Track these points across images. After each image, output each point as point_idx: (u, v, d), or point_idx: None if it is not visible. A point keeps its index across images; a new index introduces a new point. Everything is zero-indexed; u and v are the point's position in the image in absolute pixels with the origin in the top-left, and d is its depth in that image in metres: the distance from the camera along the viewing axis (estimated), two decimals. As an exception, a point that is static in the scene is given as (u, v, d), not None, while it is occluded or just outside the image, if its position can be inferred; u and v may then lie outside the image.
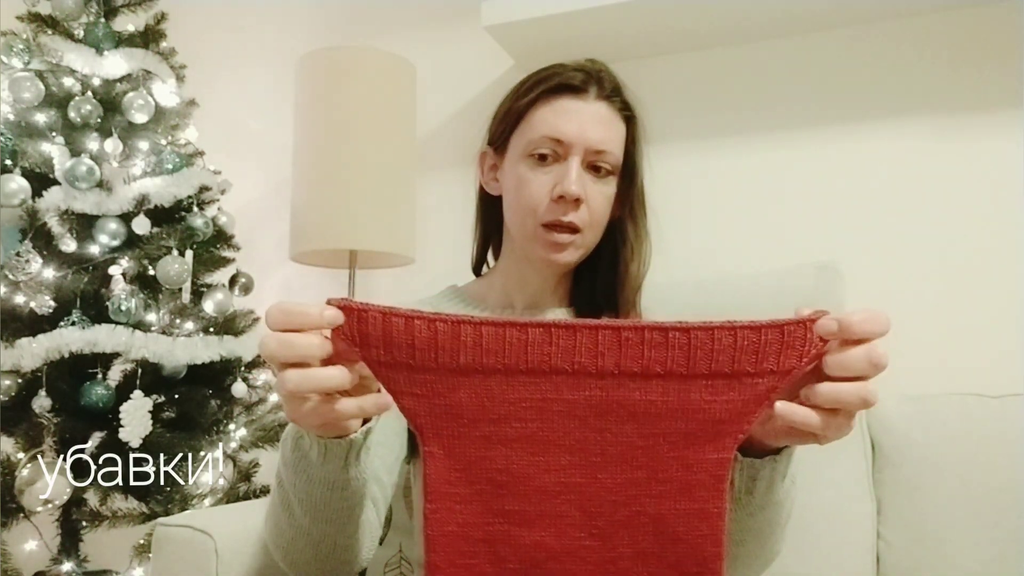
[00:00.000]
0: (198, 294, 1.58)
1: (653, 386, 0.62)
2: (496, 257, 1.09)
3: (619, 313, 0.97)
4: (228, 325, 1.60)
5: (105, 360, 1.46)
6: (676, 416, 0.63)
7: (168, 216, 1.56)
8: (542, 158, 0.94)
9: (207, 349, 1.51)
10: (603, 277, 1.00)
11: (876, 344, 0.63)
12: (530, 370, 0.62)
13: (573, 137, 0.93)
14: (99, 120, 1.52)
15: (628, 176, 0.98)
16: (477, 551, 0.64)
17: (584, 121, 0.94)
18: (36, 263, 1.43)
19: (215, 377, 1.58)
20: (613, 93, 0.97)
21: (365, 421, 0.71)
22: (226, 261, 1.67)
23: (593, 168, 0.95)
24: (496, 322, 0.62)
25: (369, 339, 0.62)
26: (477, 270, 1.11)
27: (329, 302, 0.62)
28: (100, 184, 1.50)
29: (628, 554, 0.64)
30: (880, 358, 0.62)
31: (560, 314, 1.01)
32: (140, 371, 1.46)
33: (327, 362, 0.63)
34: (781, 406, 0.62)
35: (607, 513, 0.64)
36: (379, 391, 0.65)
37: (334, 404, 0.63)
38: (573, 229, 0.94)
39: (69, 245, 1.48)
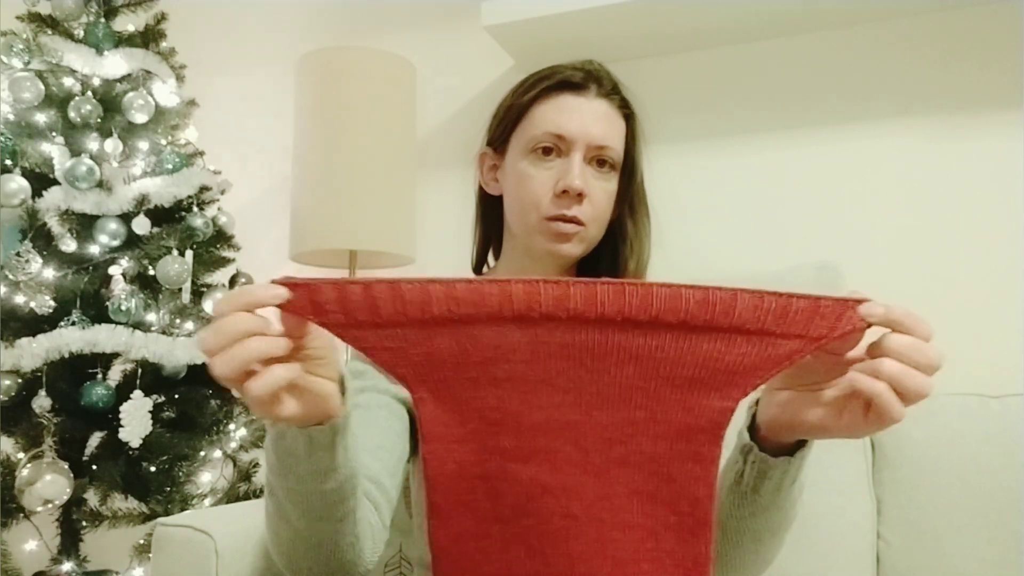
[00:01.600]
0: (198, 294, 1.58)
1: (661, 334, 0.62)
2: (496, 258, 1.09)
3: None
4: (228, 325, 1.60)
5: (105, 360, 1.46)
6: (683, 363, 0.62)
7: (168, 216, 1.56)
8: (545, 153, 0.95)
9: (207, 349, 1.51)
10: (604, 275, 1.00)
11: (932, 345, 0.63)
12: (517, 317, 0.61)
13: (575, 133, 0.93)
14: (99, 120, 1.52)
15: (628, 173, 0.99)
16: (475, 487, 0.65)
17: (585, 117, 0.94)
18: (36, 263, 1.43)
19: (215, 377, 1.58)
20: (613, 91, 0.98)
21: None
22: (226, 261, 1.67)
23: (595, 164, 0.96)
24: (470, 280, 0.61)
25: (324, 307, 0.61)
26: (477, 271, 1.11)
27: (273, 282, 0.61)
28: (100, 184, 1.50)
29: (623, 492, 0.64)
30: (936, 356, 0.63)
31: None
32: (140, 371, 1.46)
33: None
34: (854, 373, 0.62)
35: (602, 450, 0.64)
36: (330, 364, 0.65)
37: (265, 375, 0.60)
38: (577, 223, 0.94)
39: (69, 245, 1.48)
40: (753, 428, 0.74)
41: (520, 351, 0.62)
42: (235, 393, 0.64)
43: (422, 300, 0.61)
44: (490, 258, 1.11)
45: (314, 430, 0.68)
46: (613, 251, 1.00)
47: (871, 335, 0.64)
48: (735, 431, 0.74)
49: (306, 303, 0.61)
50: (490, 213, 1.07)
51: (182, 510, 1.45)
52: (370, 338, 0.62)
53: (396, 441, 0.91)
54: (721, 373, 0.62)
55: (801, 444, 0.73)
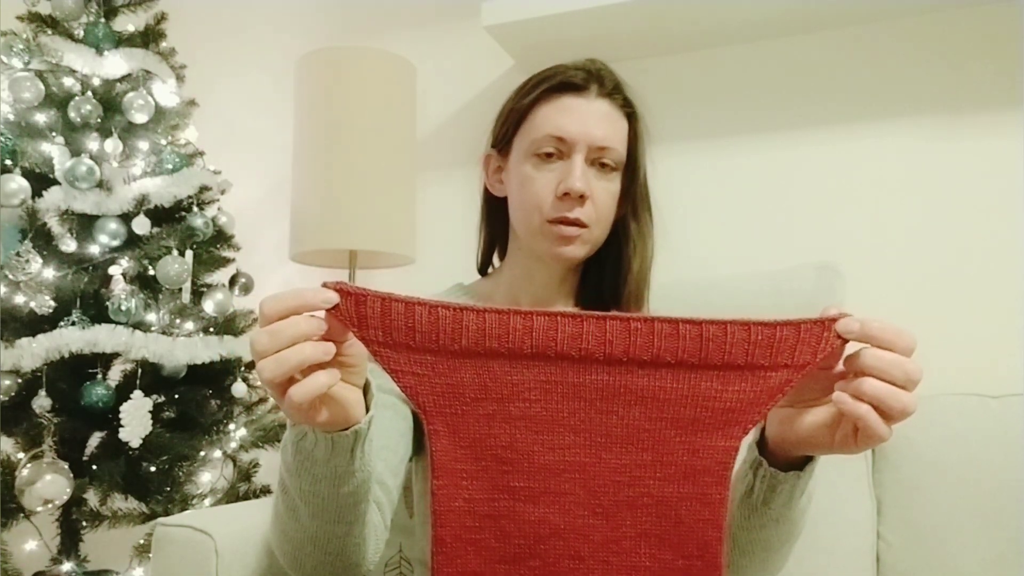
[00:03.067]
0: (198, 294, 1.58)
1: (663, 374, 0.63)
2: (501, 258, 1.09)
3: (624, 311, 0.97)
4: (228, 325, 1.60)
5: (105, 360, 1.46)
6: (685, 403, 0.64)
7: (168, 216, 1.56)
8: (547, 156, 0.95)
9: (207, 349, 1.51)
10: (609, 275, 1.01)
11: (911, 360, 0.63)
12: (535, 355, 0.63)
13: (576, 134, 0.93)
14: (99, 120, 1.52)
15: (631, 173, 0.99)
16: (483, 526, 0.65)
17: (587, 118, 0.94)
18: (36, 263, 1.43)
19: (215, 377, 1.58)
20: (614, 90, 0.98)
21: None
22: (226, 261, 1.67)
23: (597, 165, 0.95)
24: (500, 310, 0.63)
25: (367, 320, 0.62)
26: (483, 272, 1.11)
27: (325, 285, 0.62)
28: (100, 184, 1.50)
29: (631, 534, 0.65)
30: (915, 371, 0.62)
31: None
32: (140, 371, 1.46)
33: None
34: (838, 394, 0.63)
35: (611, 492, 0.65)
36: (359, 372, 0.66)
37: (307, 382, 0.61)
38: (579, 225, 0.94)
39: (69, 245, 1.48)
40: (763, 442, 0.74)
41: (535, 390, 0.64)
42: (272, 396, 0.65)
43: (454, 328, 0.63)
44: (495, 259, 1.11)
45: (337, 435, 0.68)
46: (617, 251, 1.00)
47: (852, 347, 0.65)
48: (746, 444, 0.74)
49: (352, 312, 0.62)
50: (495, 215, 1.07)
51: (182, 510, 1.45)
52: (401, 360, 0.63)
53: (400, 441, 0.91)
54: (721, 412, 0.64)
55: (810, 458, 0.73)
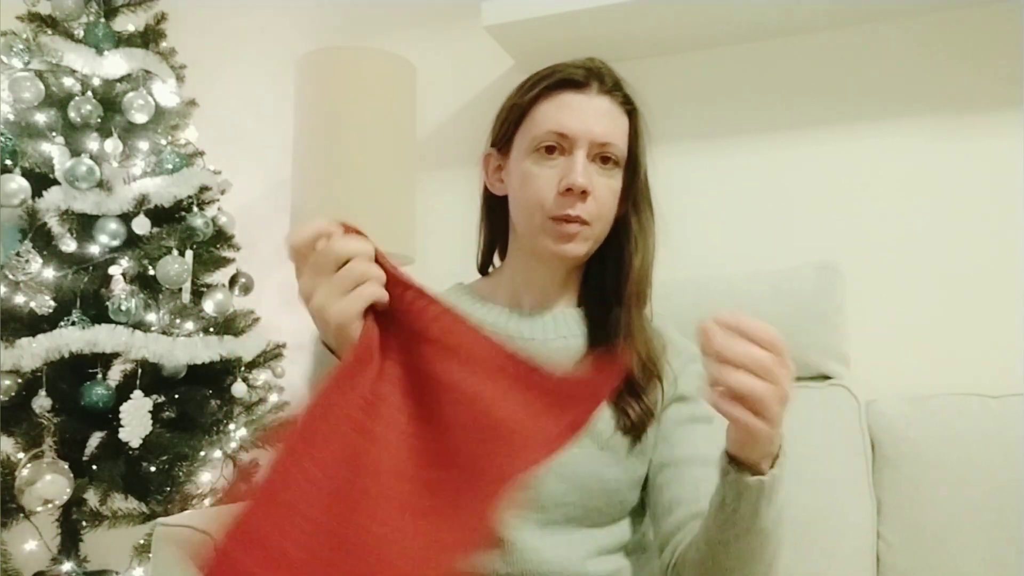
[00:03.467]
0: (198, 294, 1.58)
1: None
2: (502, 258, 1.09)
3: (626, 309, 0.97)
4: (228, 325, 1.60)
5: (105, 360, 1.46)
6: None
7: (168, 216, 1.56)
8: (548, 151, 0.95)
9: (207, 349, 1.51)
10: (611, 274, 1.00)
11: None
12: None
13: (577, 130, 0.93)
14: (99, 120, 1.52)
15: (632, 170, 0.99)
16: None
17: (587, 114, 0.94)
18: (36, 263, 1.43)
19: (215, 377, 1.58)
20: (615, 87, 0.98)
21: None
22: (226, 261, 1.67)
23: (599, 161, 0.96)
24: (488, 336, 0.71)
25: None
26: (483, 271, 1.11)
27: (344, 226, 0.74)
28: (100, 184, 1.50)
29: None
30: (747, 354, 0.65)
31: (569, 312, 1.02)
32: (140, 371, 1.46)
33: None
34: (712, 399, 0.66)
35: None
36: None
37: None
38: (581, 222, 0.94)
39: (69, 245, 1.48)
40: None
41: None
42: (321, 326, 0.72)
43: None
44: (496, 259, 1.11)
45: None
46: (619, 250, 1.00)
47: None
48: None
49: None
50: (495, 214, 1.07)
51: (182, 510, 1.45)
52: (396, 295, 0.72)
53: None
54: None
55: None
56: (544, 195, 0.94)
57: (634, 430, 0.93)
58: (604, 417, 0.93)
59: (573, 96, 0.95)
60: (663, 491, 0.94)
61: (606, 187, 0.96)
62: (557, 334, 0.99)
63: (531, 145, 0.96)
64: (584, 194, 0.93)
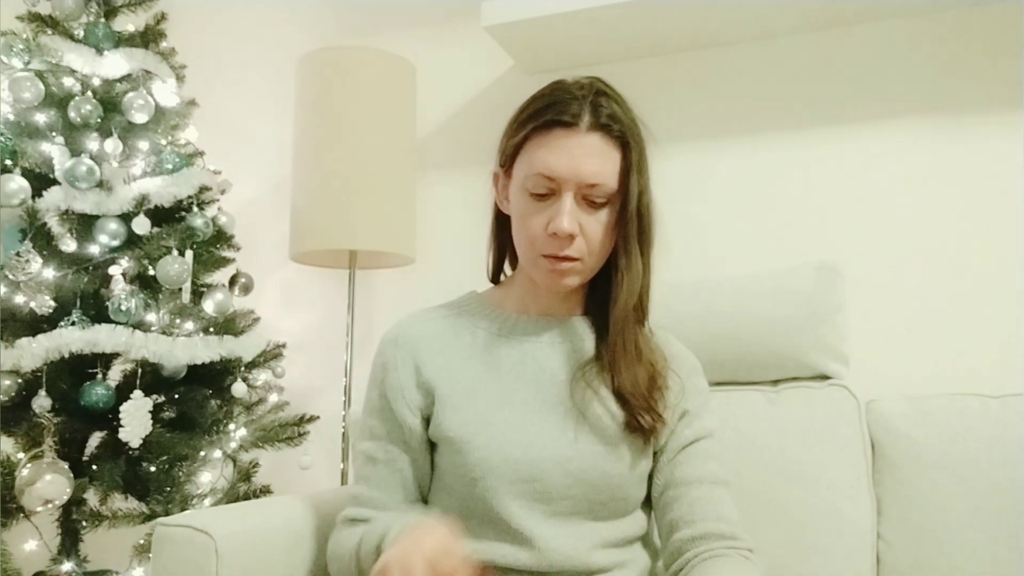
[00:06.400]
0: (198, 294, 1.58)
1: None
2: (513, 266, 1.10)
3: (617, 332, 0.97)
4: (228, 325, 1.60)
5: (105, 360, 1.46)
6: None
7: (168, 216, 1.56)
8: (539, 196, 0.95)
9: (207, 349, 1.51)
10: (614, 291, 1.01)
11: None
12: None
13: (565, 173, 0.93)
14: (99, 120, 1.52)
15: (622, 204, 0.96)
16: None
17: (575, 156, 0.93)
18: (36, 263, 1.43)
19: (215, 377, 1.58)
20: (609, 119, 0.94)
21: None
22: (226, 261, 1.67)
23: (587, 201, 0.95)
24: None
25: None
26: (495, 281, 1.12)
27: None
28: (100, 184, 1.50)
29: None
30: None
31: (576, 320, 1.03)
32: (140, 371, 1.46)
33: None
34: None
35: None
36: None
37: None
38: (571, 259, 0.95)
39: (69, 245, 1.48)
40: None
41: None
42: None
43: None
44: (507, 267, 1.12)
45: None
46: (609, 282, 1.00)
47: None
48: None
49: None
50: (504, 228, 1.07)
51: (182, 510, 1.45)
52: None
53: (423, 481, 1.01)
54: None
55: None
56: (535, 234, 0.95)
57: (643, 434, 0.95)
58: (612, 415, 0.95)
59: (562, 137, 0.93)
60: (665, 512, 0.97)
61: (596, 223, 0.95)
62: (564, 338, 1.01)
63: (524, 184, 0.96)
64: (571, 237, 0.93)
